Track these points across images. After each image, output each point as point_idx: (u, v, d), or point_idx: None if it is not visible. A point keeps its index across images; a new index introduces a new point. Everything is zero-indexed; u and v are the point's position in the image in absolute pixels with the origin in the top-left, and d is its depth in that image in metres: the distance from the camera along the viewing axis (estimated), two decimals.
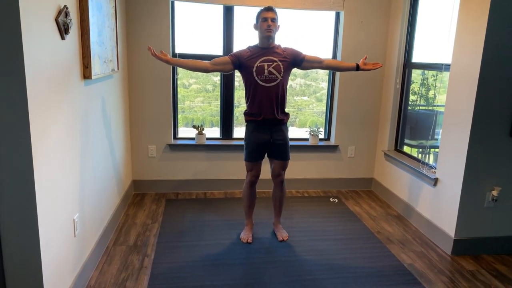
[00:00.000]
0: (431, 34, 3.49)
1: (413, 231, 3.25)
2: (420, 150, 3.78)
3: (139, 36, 3.59)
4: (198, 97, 4.25)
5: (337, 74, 3.97)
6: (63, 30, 1.99)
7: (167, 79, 3.72)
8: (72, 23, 2.12)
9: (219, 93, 3.95)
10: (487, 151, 2.75)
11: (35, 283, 1.78)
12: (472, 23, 2.67)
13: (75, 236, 2.23)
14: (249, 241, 2.94)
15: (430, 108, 3.70)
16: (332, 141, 4.13)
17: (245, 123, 2.89)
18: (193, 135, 3.95)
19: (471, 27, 2.68)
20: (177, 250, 2.79)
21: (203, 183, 3.98)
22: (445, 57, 3.07)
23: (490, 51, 2.59)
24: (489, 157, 2.76)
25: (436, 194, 3.09)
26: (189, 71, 4.13)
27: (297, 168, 4.07)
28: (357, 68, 2.81)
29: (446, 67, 3.06)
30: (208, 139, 3.96)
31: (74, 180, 2.22)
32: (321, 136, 4.16)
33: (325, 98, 4.19)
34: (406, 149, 3.85)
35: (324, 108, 4.21)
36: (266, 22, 2.67)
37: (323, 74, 4.30)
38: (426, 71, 3.63)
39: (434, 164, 3.27)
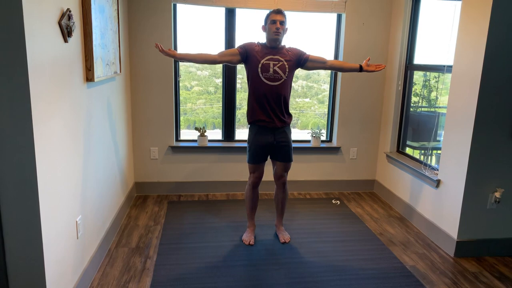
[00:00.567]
0: (432, 35, 3.49)
1: (415, 233, 3.25)
2: (422, 151, 3.78)
3: (142, 38, 3.61)
4: (200, 99, 4.26)
5: (339, 75, 3.97)
6: (66, 33, 2.00)
7: (169, 82, 3.73)
8: (75, 26, 2.13)
9: (221, 95, 3.96)
10: (489, 153, 2.75)
11: (38, 284, 1.79)
12: (474, 25, 2.67)
13: (77, 238, 2.23)
14: (251, 243, 2.94)
15: (432, 109, 3.70)
16: (334, 143, 4.12)
17: (248, 125, 2.89)
18: (195, 137, 3.95)
19: (473, 28, 2.68)
20: (179, 252, 2.80)
21: (205, 185, 3.99)
22: (447, 59, 3.07)
23: (492, 52, 2.59)
24: (491, 159, 2.76)
25: (439, 196, 3.08)
26: (191, 73, 4.14)
27: (299, 170, 4.07)
28: (361, 69, 2.83)
29: (448, 68, 3.06)
30: (210, 141, 3.97)
31: (76, 182, 2.23)
32: (323, 138, 4.16)
33: (327, 100, 4.19)
34: (408, 150, 3.84)
35: (326, 110, 4.21)
36: (275, 25, 2.68)
37: (325, 75, 4.31)
38: (428, 73, 3.63)
39: (436, 165, 3.26)
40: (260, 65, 2.70)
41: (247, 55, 2.75)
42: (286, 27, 2.77)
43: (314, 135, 4.05)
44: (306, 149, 4.06)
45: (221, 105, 3.99)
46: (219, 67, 4.00)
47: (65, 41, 2.01)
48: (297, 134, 4.39)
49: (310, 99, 4.50)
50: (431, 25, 3.51)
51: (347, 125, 4.06)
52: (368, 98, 4.02)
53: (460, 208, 2.81)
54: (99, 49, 2.47)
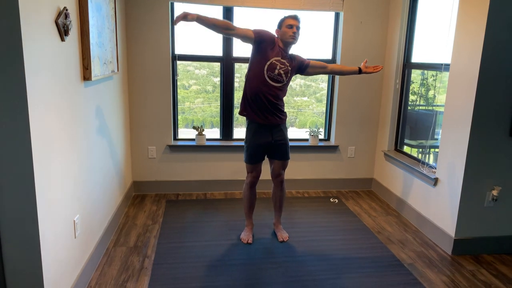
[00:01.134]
0: (430, 34, 3.49)
1: (413, 231, 3.25)
2: (420, 150, 3.78)
3: (139, 37, 3.60)
4: (198, 98, 4.26)
5: None
6: (63, 31, 1.99)
7: (167, 80, 3.72)
8: (72, 24, 2.12)
9: (219, 94, 3.96)
10: (487, 151, 2.75)
11: (36, 284, 1.78)
12: (471, 23, 2.68)
13: (75, 237, 2.23)
14: (249, 241, 2.94)
15: (430, 108, 3.70)
16: (332, 142, 4.13)
17: (247, 125, 2.87)
18: (193, 136, 3.95)
19: (470, 27, 2.69)
20: (177, 251, 2.79)
21: (203, 184, 3.98)
22: (445, 57, 3.08)
23: (489, 50, 2.59)
24: (489, 157, 2.77)
25: (436, 194, 3.09)
26: (189, 72, 4.14)
27: (297, 169, 4.08)
28: (360, 71, 2.92)
29: (446, 67, 3.07)
30: (208, 140, 3.96)
31: (74, 181, 2.23)
32: (321, 136, 4.16)
33: (325, 99, 4.19)
34: (406, 149, 3.85)
35: (324, 109, 4.21)
36: (292, 29, 2.71)
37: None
38: (425, 71, 3.64)
39: (434, 164, 3.27)
40: (268, 63, 2.69)
41: (261, 43, 2.68)
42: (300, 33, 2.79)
43: (312, 134, 4.06)
44: (304, 148, 4.06)
45: (219, 104, 3.99)
46: (217, 66, 3.99)
47: (62, 40, 2.01)
48: (295, 132, 4.39)
49: (308, 97, 4.50)
50: (428, 23, 3.51)
51: (345, 123, 4.06)
52: (366, 96, 4.02)
53: (458, 206, 2.82)
54: (96, 48, 2.46)
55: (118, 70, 3.08)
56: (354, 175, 4.20)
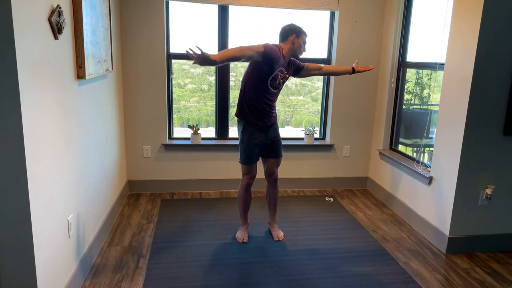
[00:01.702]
0: (425, 33, 3.50)
1: (408, 230, 3.27)
2: (415, 149, 3.80)
3: (134, 35, 3.58)
4: (194, 97, 4.24)
5: None
6: (56, 29, 1.98)
7: (162, 79, 3.70)
8: (66, 22, 2.10)
9: (215, 93, 3.94)
10: (481, 150, 2.77)
11: (29, 284, 1.77)
12: (466, 22, 2.69)
13: (69, 237, 2.21)
14: (244, 240, 2.94)
15: (425, 107, 3.72)
16: (328, 141, 4.13)
17: (242, 126, 2.84)
18: (189, 135, 3.94)
19: (465, 26, 2.70)
20: (172, 251, 2.79)
21: (198, 183, 3.97)
22: (439, 56, 3.09)
23: (483, 50, 2.60)
24: (483, 156, 2.78)
25: (431, 193, 3.10)
26: (184, 71, 4.13)
27: (293, 168, 4.08)
28: (353, 71, 2.98)
29: (440, 66, 3.08)
30: (203, 139, 3.95)
31: (68, 181, 2.21)
32: (317, 135, 4.17)
33: (321, 98, 4.20)
34: (401, 148, 3.86)
35: (320, 108, 4.22)
36: (305, 45, 2.77)
37: None
38: (420, 70, 3.65)
39: (428, 162, 3.28)
40: (273, 75, 2.70)
41: (269, 60, 2.62)
42: None
43: (307, 133, 4.06)
44: (300, 147, 4.06)
45: (214, 103, 3.98)
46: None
47: (56, 38, 1.99)
48: (291, 131, 4.39)
49: (303, 97, 4.50)
50: (423, 23, 3.53)
51: (340, 122, 4.07)
52: (361, 95, 4.03)
53: (452, 205, 2.83)
54: (90, 46, 2.44)
55: (112, 69, 3.06)
56: (349, 174, 4.21)
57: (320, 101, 4.21)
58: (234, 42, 3.81)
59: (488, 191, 2.82)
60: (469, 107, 2.68)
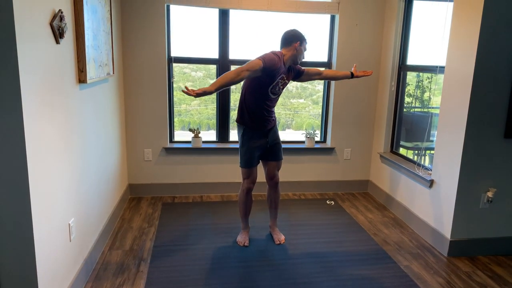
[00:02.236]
0: (425, 36, 3.51)
1: (409, 233, 3.26)
2: (416, 152, 3.80)
3: (135, 39, 3.59)
4: (195, 100, 4.25)
5: None
6: (58, 34, 1.99)
7: (163, 83, 3.71)
8: (67, 27, 2.11)
9: (215, 96, 3.95)
10: (482, 153, 2.77)
11: None
12: (466, 26, 2.69)
13: (70, 241, 2.21)
14: (245, 244, 2.94)
15: (425, 110, 3.72)
16: (328, 144, 4.13)
17: (242, 130, 2.84)
18: (190, 139, 3.94)
19: (465, 29, 2.70)
20: (173, 254, 2.78)
21: (199, 186, 3.97)
22: (440, 60, 3.09)
23: (484, 53, 2.61)
24: (484, 159, 2.78)
25: (432, 196, 3.10)
26: (185, 74, 4.14)
27: (294, 171, 4.08)
28: (352, 75, 2.99)
29: (441, 69, 3.08)
30: (204, 142, 3.96)
31: (69, 185, 2.21)
32: (317, 138, 4.17)
33: (321, 101, 4.20)
34: (401, 151, 3.86)
35: (320, 111, 4.22)
36: (305, 52, 2.80)
37: None
38: (421, 74, 3.66)
39: (429, 165, 3.28)
40: (274, 83, 2.70)
41: (270, 72, 2.62)
42: None
43: (308, 136, 4.06)
44: (301, 150, 4.06)
45: (215, 106, 3.98)
46: (213, 68, 3.99)
47: (57, 42, 2.00)
48: (292, 134, 4.39)
49: (304, 100, 4.51)
50: (423, 26, 3.53)
51: (341, 125, 4.07)
52: (361, 99, 4.04)
53: (453, 208, 2.83)
54: (92, 50, 2.45)
55: (113, 73, 3.07)
56: (350, 177, 4.21)
57: (321, 104, 4.22)
58: (235, 45, 3.82)
59: (489, 194, 2.82)
60: (470, 110, 2.68)
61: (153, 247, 2.88)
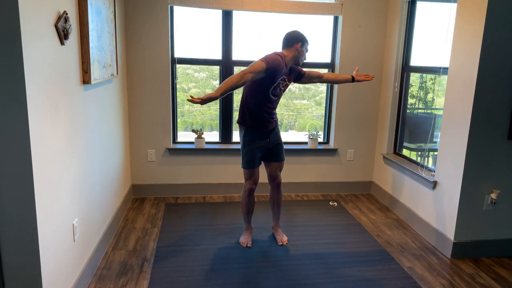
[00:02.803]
0: (429, 37, 3.50)
1: (413, 234, 3.25)
2: (419, 153, 3.79)
3: (138, 40, 3.61)
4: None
5: None
6: (63, 35, 2.00)
7: (166, 84, 3.73)
8: (72, 28, 2.13)
9: None
10: (485, 154, 2.76)
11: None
12: (470, 27, 2.69)
13: (74, 241, 2.23)
14: (248, 245, 2.94)
15: (429, 111, 3.71)
16: (331, 145, 4.13)
17: (244, 131, 2.84)
18: (193, 139, 3.95)
19: (469, 30, 2.70)
20: (176, 255, 2.79)
21: (202, 187, 3.98)
22: (443, 61, 3.09)
23: (487, 54, 2.60)
24: (487, 160, 2.77)
25: (435, 197, 3.09)
26: (188, 75, 4.15)
27: (297, 172, 4.08)
28: (353, 79, 2.99)
29: (444, 70, 3.08)
30: (207, 143, 3.96)
31: (73, 185, 2.23)
32: (320, 139, 4.16)
33: (324, 102, 4.20)
34: (405, 152, 3.85)
35: (323, 112, 4.22)
36: (306, 54, 2.80)
37: None
38: (424, 75, 3.65)
39: (433, 167, 3.27)
40: (275, 84, 2.71)
41: (272, 72, 2.62)
42: None
43: (311, 137, 4.06)
44: (304, 151, 4.06)
45: (218, 107, 3.99)
46: (216, 69, 4.00)
47: (62, 43, 2.01)
48: (294, 135, 4.39)
49: (307, 100, 4.51)
50: (427, 27, 3.53)
51: (344, 126, 4.07)
52: (365, 100, 4.03)
53: (457, 209, 2.82)
54: (96, 51, 2.47)
55: (117, 74, 3.08)
56: (353, 178, 4.20)
57: (324, 105, 4.22)
58: (238, 46, 3.82)
59: (493, 195, 2.81)
60: (473, 112, 2.68)
61: (156, 248, 2.88)
